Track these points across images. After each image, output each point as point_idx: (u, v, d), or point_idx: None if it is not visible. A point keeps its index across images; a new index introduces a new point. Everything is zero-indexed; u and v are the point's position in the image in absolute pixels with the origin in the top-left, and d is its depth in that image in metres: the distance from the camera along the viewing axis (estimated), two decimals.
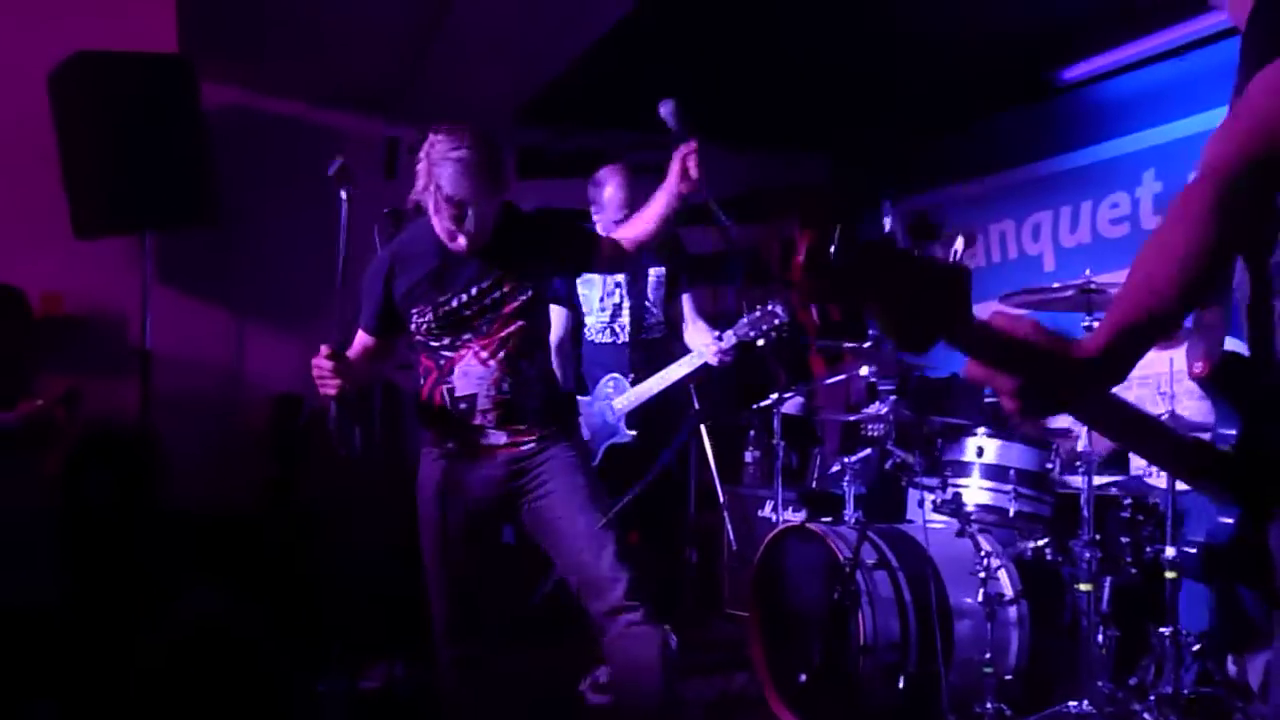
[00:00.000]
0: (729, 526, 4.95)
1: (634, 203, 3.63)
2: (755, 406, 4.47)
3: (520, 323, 2.95)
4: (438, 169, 2.82)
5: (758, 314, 3.56)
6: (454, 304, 2.90)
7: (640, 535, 5.43)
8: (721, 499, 4.87)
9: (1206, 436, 1.46)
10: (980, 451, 3.65)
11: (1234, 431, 1.42)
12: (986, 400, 4.27)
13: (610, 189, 3.97)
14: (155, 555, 4.48)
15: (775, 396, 4.34)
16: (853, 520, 3.75)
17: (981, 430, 3.69)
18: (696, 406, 4.86)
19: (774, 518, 4.21)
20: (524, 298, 2.95)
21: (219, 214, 4.74)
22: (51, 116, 4.57)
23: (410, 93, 5.43)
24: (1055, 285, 3.50)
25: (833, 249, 1.09)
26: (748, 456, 5.19)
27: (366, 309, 3.00)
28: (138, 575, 4.39)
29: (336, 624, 4.29)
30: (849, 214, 6.49)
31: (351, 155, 5.67)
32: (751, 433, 5.19)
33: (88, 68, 4.44)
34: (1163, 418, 3.38)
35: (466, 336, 2.93)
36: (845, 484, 3.89)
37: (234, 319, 5.35)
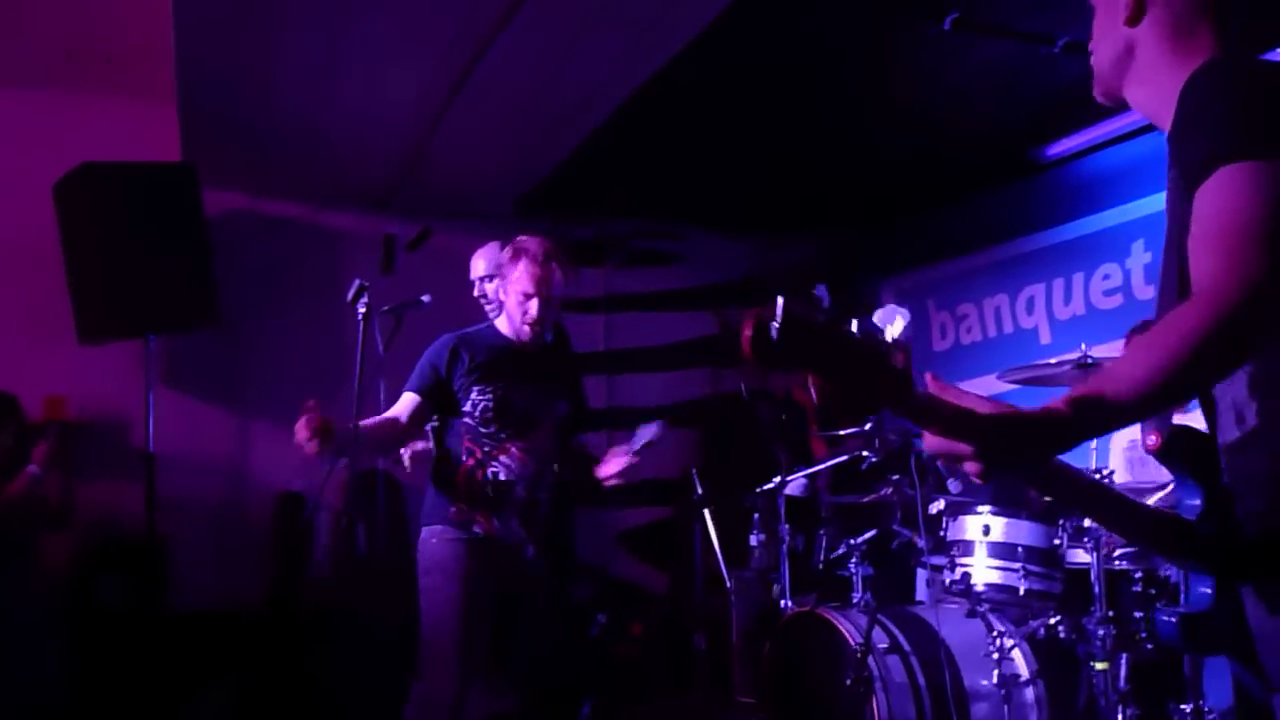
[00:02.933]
0: (736, 611, 4.90)
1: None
2: (759, 489, 4.46)
3: (560, 430, 3.38)
4: (515, 263, 3.29)
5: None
6: (514, 395, 3.27)
7: (645, 622, 5.41)
8: (728, 584, 4.83)
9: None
10: (987, 529, 3.63)
11: (1197, 501, 1.44)
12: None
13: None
14: (164, 656, 4.45)
15: (779, 479, 4.33)
16: (862, 603, 3.72)
17: (987, 508, 3.67)
18: (699, 492, 4.86)
19: (783, 602, 4.16)
20: (568, 409, 3.41)
21: (220, 316, 4.79)
22: (58, 226, 4.66)
23: (408, 189, 5.53)
24: (1052, 361, 3.53)
25: (775, 325, 1.16)
26: (753, 540, 5.15)
27: (422, 376, 3.30)
28: (147, 677, 4.35)
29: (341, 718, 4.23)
30: (848, 294, 6.58)
31: (349, 253, 5.82)
32: (756, 515, 5.16)
33: (92, 178, 4.55)
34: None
35: (515, 430, 3.27)
36: (852, 566, 3.87)
37: (237, 419, 5.37)
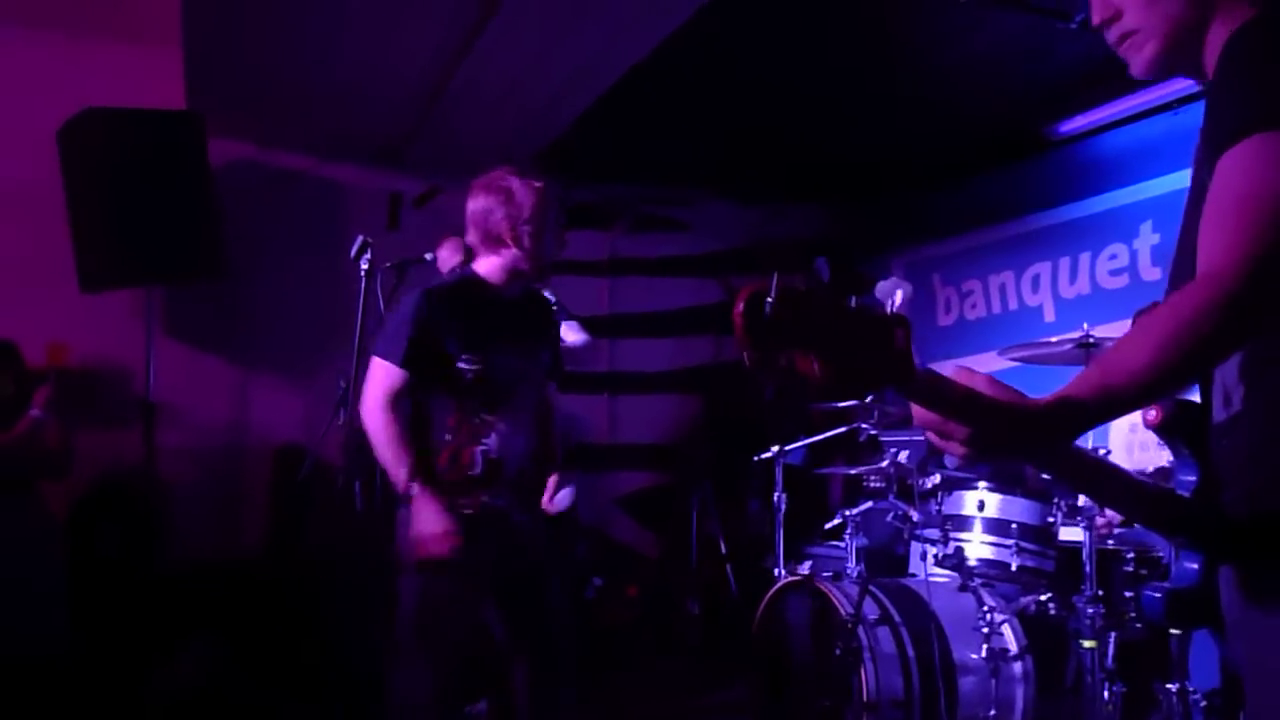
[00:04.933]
0: (731, 578, 4.93)
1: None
2: (757, 458, 4.47)
3: (543, 390, 3.11)
4: (520, 195, 2.92)
5: None
6: (502, 357, 2.92)
7: (640, 586, 5.45)
8: (724, 550, 4.86)
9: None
10: (981, 505, 3.64)
11: (1193, 478, 1.41)
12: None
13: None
14: (159, 606, 4.48)
15: (777, 448, 4.33)
16: (855, 574, 3.74)
17: (983, 484, 3.68)
18: (699, 458, 4.88)
19: (776, 570, 4.18)
20: (549, 360, 3.12)
21: (224, 267, 4.78)
22: (61, 172, 4.63)
23: (414, 146, 5.50)
24: (1053, 339, 3.52)
25: (768, 300, 1.11)
26: (749, 507, 5.18)
27: (400, 342, 2.88)
28: (142, 626, 4.39)
29: (335, 676, 4.26)
30: (846, 268, 6.56)
31: (355, 208, 5.80)
32: (753, 483, 5.19)
33: (96, 124, 4.51)
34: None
35: (502, 396, 2.94)
36: (847, 537, 3.88)
37: (238, 371, 5.37)
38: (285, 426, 5.26)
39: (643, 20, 4.04)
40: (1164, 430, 1.46)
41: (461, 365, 2.88)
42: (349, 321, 3.83)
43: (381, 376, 2.88)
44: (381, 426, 2.85)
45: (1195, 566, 1.42)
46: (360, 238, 3.36)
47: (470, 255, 3.09)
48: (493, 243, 2.95)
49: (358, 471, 3.84)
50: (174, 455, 4.91)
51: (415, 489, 2.79)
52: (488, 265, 2.99)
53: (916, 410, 1.24)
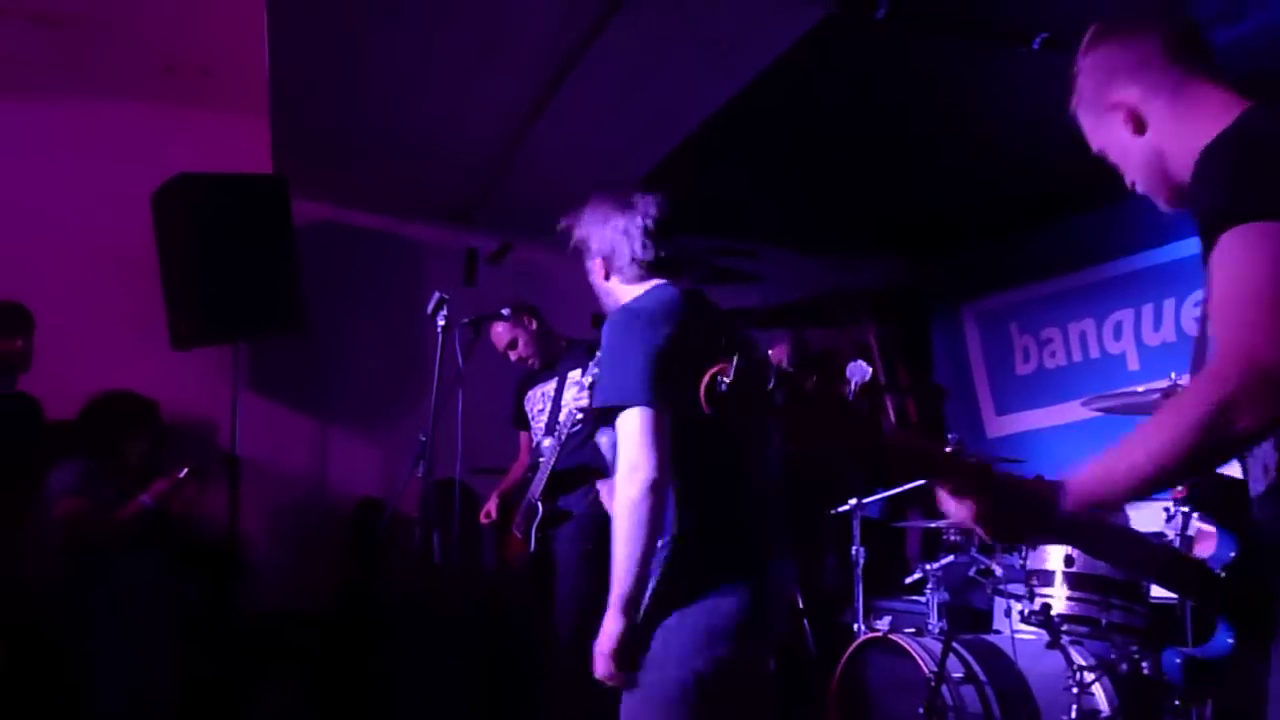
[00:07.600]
0: (809, 635, 4.84)
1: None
2: (834, 511, 4.41)
3: None
4: None
5: None
6: None
7: None
8: (801, 606, 4.77)
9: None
10: (1069, 560, 3.53)
11: (1232, 554, 1.42)
12: None
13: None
14: (241, 656, 4.55)
15: (854, 501, 4.27)
16: (937, 630, 3.65)
17: None
18: None
19: (855, 626, 4.10)
20: None
21: (305, 323, 4.91)
22: (155, 234, 4.82)
23: (490, 203, 5.60)
24: (1139, 389, 3.43)
25: (725, 380, 1.29)
26: (827, 562, 5.09)
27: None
28: (225, 676, 4.46)
29: None
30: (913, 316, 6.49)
31: (430, 265, 5.91)
32: (831, 537, 5.11)
33: (188, 188, 4.70)
34: None
35: None
36: (928, 591, 3.79)
37: (319, 425, 5.48)
38: (364, 479, 5.35)
39: (713, 75, 4.09)
40: (1189, 503, 1.51)
41: None
42: (425, 376, 3.90)
43: None
44: None
45: (1230, 640, 1.43)
46: (437, 294, 3.44)
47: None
48: None
49: (436, 523, 3.88)
50: (257, 506, 5.02)
51: None
52: None
53: (942, 502, 1.38)
